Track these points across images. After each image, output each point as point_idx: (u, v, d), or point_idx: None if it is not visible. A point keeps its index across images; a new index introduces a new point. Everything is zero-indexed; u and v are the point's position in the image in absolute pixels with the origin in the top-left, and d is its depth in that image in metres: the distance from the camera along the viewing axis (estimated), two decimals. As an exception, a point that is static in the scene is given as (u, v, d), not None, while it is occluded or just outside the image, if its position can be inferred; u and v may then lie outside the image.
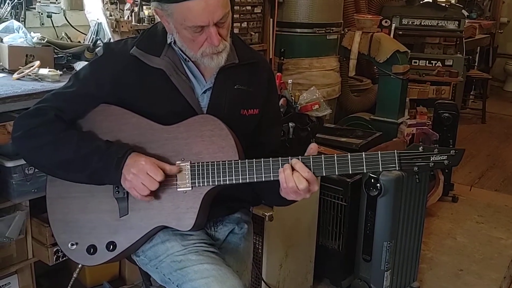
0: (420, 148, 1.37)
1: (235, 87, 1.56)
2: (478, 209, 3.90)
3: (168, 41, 1.52)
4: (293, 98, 2.69)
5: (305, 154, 1.42)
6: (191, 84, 1.54)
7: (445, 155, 1.36)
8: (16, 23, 2.32)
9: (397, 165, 1.37)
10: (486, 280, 2.97)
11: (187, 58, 1.52)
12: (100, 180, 1.45)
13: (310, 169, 1.39)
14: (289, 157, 1.41)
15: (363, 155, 1.38)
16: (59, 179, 1.50)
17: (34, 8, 2.55)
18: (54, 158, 1.43)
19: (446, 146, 1.59)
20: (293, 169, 1.39)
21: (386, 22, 4.86)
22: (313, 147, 1.44)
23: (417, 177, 1.42)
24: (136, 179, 1.40)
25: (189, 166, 1.44)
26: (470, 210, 3.87)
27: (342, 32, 3.99)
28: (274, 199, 1.56)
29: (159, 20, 1.51)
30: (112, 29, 2.54)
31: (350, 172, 1.40)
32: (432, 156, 1.36)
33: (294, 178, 1.38)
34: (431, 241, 3.36)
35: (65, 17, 2.67)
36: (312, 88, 2.81)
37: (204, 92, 1.55)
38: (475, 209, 3.89)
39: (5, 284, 2.07)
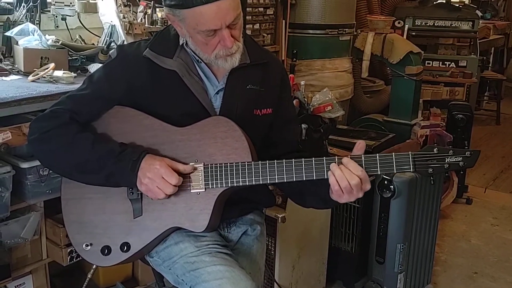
0: (435, 150, 1.36)
1: (247, 87, 1.56)
2: (493, 211, 3.86)
3: (180, 42, 1.53)
4: (305, 100, 2.68)
5: (353, 151, 1.41)
6: (203, 85, 1.54)
7: (460, 157, 1.35)
8: (31, 26, 2.34)
9: (411, 166, 1.36)
10: (501, 283, 2.94)
11: (199, 59, 1.53)
12: (115, 183, 1.46)
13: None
14: (302, 159, 1.41)
15: (377, 157, 1.37)
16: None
17: (49, 11, 2.57)
18: (69, 161, 1.45)
19: (461, 148, 1.57)
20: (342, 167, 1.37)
21: (399, 23, 4.82)
22: (361, 142, 1.42)
23: (431, 178, 1.41)
24: (152, 183, 1.41)
25: (202, 168, 1.45)
26: (484, 212, 3.84)
27: (355, 33, 3.97)
28: (316, 202, 1.55)
29: (171, 22, 1.51)
30: (125, 31, 2.55)
31: (364, 174, 1.39)
32: (447, 158, 1.35)
33: (346, 176, 1.36)
34: (445, 243, 3.33)
35: (79, 20, 2.69)
36: (324, 90, 2.80)
37: (217, 92, 1.55)
38: (490, 211, 3.85)
39: (20, 284, 2.08)
